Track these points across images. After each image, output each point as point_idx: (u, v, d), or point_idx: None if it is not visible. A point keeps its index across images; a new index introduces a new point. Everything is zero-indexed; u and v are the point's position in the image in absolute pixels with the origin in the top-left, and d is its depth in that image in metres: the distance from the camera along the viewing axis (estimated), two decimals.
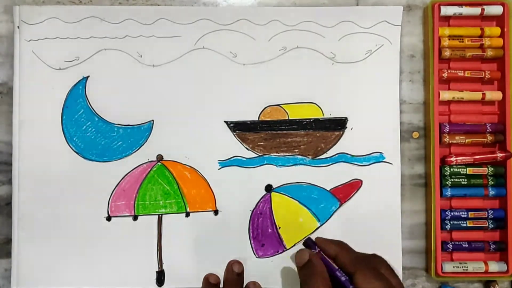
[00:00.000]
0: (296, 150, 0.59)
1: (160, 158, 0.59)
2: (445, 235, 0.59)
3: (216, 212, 0.59)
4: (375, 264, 0.46)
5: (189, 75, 0.59)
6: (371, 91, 0.59)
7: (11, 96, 0.59)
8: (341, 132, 0.59)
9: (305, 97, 0.59)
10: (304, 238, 0.58)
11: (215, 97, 0.59)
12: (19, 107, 0.58)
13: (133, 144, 0.59)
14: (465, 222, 0.58)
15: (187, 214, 0.59)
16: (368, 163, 0.59)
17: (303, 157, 0.59)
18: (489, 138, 0.58)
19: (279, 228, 0.59)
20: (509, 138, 0.58)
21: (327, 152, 0.59)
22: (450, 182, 0.58)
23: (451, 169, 0.58)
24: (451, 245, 0.58)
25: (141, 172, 0.59)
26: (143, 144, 0.59)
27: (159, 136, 0.59)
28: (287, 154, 0.59)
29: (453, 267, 0.58)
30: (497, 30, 0.58)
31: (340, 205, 0.59)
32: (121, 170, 0.59)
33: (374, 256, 0.48)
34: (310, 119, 0.59)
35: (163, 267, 0.58)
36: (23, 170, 0.58)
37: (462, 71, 0.58)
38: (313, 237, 0.59)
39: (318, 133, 0.59)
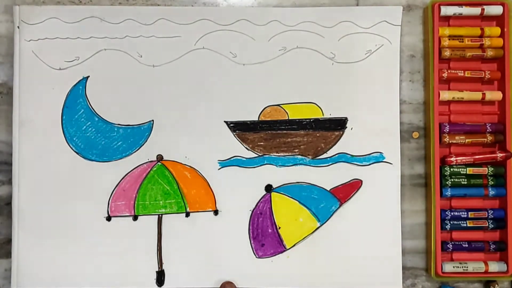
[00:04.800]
0: (296, 150, 0.59)
1: (160, 158, 0.59)
2: (445, 235, 0.59)
3: (216, 212, 0.59)
4: None
5: (189, 75, 0.59)
6: (371, 91, 0.59)
7: (11, 96, 0.59)
8: (341, 132, 0.59)
9: (305, 97, 0.59)
10: (304, 238, 0.59)
11: (215, 97, 0.59)
12: (19, 107, 0.58)
13: (133, 144, 0.59)
14: (465, 222, 0.58)
15: (187, 214, 0.59)
16: (368, 163, 0.59)
17: (303, 157, 0.59)
18: (489, 138, 0.58)
19: (279, 228, 0.59)
20: (509, 138, 0.58)
21: (327, 152, 0.59)
22: (450, 182, 0.58)
23: (451, 169, 0.58)
24: (451, 245, 0.58)
25: (141, 172, 0.59)
26: (143, 144, 0.59)
27: (159, 136, 0.59)
28: (287, 154, 0.59)
29: (453, 267, 0.58)
30: (497, 30, 0.58)
31: (340, 205, 0.59)
32: (121, 170, 0.59)
33: None
34: (310, 119, 0.59)
35: (163, 267, 0.58)
36: (23, 170, 0.58)
37: (462, 71, 0.58)
38: (313, 237, 0.59)
39: (318, 133, 0.59)
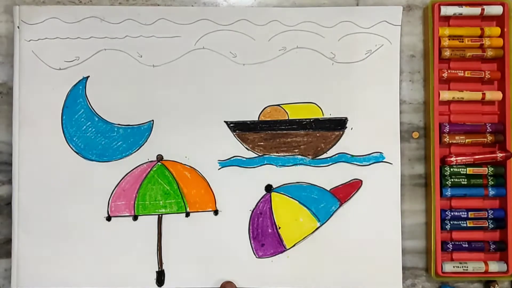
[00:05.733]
0: (296, 150, 0.59)
1: (160, 158, 0.59)
2: (445, 235, 0.59)
3: (216, 212, 0.59)
4: None
5: (189, 75, 0.59)
6: (371, 91, 0.59)
7: (11, 96, 0.59)
8: (341, 132, 0.59)
9: (305, 97, 0.59)
10: (304, 238, 0.59)
11: (215, 97, 0.59)
12: (19, 107, 0.58)
13: (133, 144, 0.59)
14: (465, 222, 0.58)
15: (187, 214, 0.59)
16: (368, 163, 0.59)
17: (303, 157, 0.59)
18: (489, 138, 0.58)
19: (279, 228, 0.59)
20: (509, 138, 0.58)
21: (327, 152, 0.59)
22: (450, 182, 0.58)
23: (451, 169, 0.58)
24: (451, 245, 0.58)
25: (141, 172, 0.59)
26: (143, 144, 0.59)
27: (159, 136, 0.59)
28: (287, 154, 0.59)
29: (453, 267, 0.58)
30: (497, 30, 0.58)
31: (340, 205, 0.59)
32: (121, 170, 0.59)
33: None
34: (310, 119, 0.59)
35: (163, 267, 0.58)
36: (23, 170, 0.58)
37: (462, 71, 0.58)
38: (313, 237, 0.59)
39: (318, 133, 0.59)
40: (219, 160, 0.59)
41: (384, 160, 0.59)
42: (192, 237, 0.58)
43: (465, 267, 0.57)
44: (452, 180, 0.58)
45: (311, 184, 0.59)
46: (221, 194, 0.59)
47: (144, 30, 0.59)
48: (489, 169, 0.58)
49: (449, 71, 0.58)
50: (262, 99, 0.59)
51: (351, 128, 0.59)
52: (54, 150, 0.59)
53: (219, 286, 0.57)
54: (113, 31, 0.59)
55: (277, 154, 0.59)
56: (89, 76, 0.59)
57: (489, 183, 0.58)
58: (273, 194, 0.59)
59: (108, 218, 0.58)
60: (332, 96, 0.59)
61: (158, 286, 0.58)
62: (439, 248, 0.57)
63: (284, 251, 0.59)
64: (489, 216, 0.58)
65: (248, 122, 0.59)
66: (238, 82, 0.59)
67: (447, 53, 0.58)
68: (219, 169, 0.59)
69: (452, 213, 0.58)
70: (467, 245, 0.58)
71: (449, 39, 0.58)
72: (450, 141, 0.58)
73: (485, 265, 0.57)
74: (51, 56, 0.59)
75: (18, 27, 0.58)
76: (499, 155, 0.57)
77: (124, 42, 0.59)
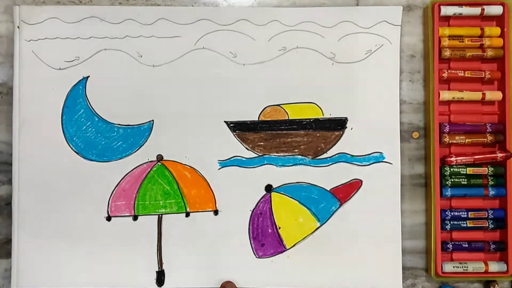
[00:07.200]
0: (296, 150, 0.59)
1: (160, 158, 0.59)
2: (445, 235, 0.59)
3: (216, 212, 0.59)
4: None
5: (189, 75, 0.59)
6: (371, 91, 0.59)
7: (11, 96, 0.59)
8: (341, 132, 0.59)
9: (305, 97, 0.59)
10: (304, 238, 0.59)
11: (215, 97, 0.59)
12: (19, 107, 0.58)
13: (133, 144, 0.59)
14: (465, 222, 0.58)
15: (187, 214, 0.59)
16: (368, 163, 0.59)
17: (303, 157, 0.59)
18: (489, 138, 0.58)
19: (279, 228, 0.59)
20: (509, 138, 0.58)
21: (327, 152, 0.59)
22: (450, 182, 0.58)
23: (451, 169, 0.58)
24: (451, 245, 0.58)
25: (141, 172, 0.59)
26: (143, 144, 0.59)
27: (159, 136, 0.59)
28: (287, 154, 0.59)
29: (453, 267, 0.58)
30: (497, 30, 0.58)
31: (340, 205, 0.59)
32: (121, 170, 0.59)
33: None
34: (310, 119, 0.59)
35: (163, 267, 0.58)
36: (23, 170, 0.58)
37: (462, 71, 0.58)
38: (313, 237, 0.59)
39: (318, 133, 0.59)
40: (219, 160, 0.59)
41: (384, 160, 0.59)
42: (192, 237, 0.58)
43: (465, 267, 0.57)
44: (452, 180, 0.58)
45: (311, 184, 0.59)
46: (221, 194, 0.59)
47: (144, 30, 0.59)
48: (489, 169, 0.58)
49: (449, 71, 0.58)
50: (262, 99, 0.59)
51: (351, 128, 0.59)
52: (54, 150, 0.59)
53: (219, 286, 0.57)
54: (113, 31, 0.59)
55: (277, 154, 0.59)
56: (89, 76, 0.59)
57: (489, 183, 0.58)
58: (273, 194, 0.59)
59: (108, 218, 0.58)
60: (332, 96, 0.59)
61: (158, 286, 0.58)
62: (439, 248, 0.57)
63: (284, 251, 0.59)
64: (489, 216, 0.58)
65: (248, 122, 0.59)
66: (238, 82, 0.59)
67: (447, 53, 0.58)
68: (219, 169, 0.59)
69: (452, 213, 0.58)
70: (467, 245, 0.58)
71: (449, 39, 0.58)
72: (450, 141, 0.58)
73: (485, 265, 0.57)
74: (51, 56, 0.59)
75: (18, 27, 0.58)
76: (499, 155, 0.57)
77: (124, 42, 0.59)
